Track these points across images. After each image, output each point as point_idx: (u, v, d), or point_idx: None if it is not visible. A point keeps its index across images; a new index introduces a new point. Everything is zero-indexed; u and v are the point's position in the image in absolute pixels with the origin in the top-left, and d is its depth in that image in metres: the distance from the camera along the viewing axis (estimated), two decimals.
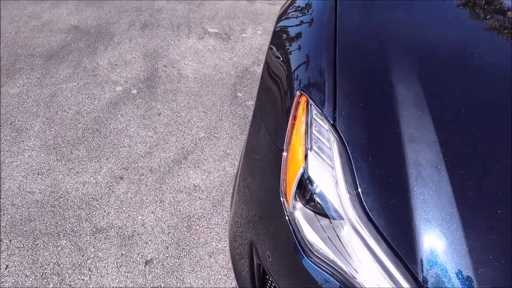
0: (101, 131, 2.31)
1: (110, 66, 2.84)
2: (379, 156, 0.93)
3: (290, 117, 1.07)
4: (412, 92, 1.00)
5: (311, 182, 0.97)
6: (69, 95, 2.53)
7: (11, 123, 2.29)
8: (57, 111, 2.41)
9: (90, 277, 1.64)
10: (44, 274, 1.64)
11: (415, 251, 0.81)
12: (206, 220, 1.90)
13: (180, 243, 1.79)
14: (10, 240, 1.74)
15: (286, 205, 1.00)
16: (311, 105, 1.04)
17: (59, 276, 1.64)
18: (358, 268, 0.87)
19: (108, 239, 1.78)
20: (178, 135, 2.34)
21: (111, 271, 1.67)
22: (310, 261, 0.93)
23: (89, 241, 1.77)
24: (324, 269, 0.91)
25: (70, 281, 1.62)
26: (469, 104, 0.99)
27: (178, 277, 1.67)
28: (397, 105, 0.98)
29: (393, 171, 0.90)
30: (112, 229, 1.82)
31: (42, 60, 2.80)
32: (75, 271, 1.66)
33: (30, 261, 1.68)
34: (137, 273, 1.67)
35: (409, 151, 0.91)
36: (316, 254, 0.93)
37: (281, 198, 1.01)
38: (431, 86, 1.02)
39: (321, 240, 0.93)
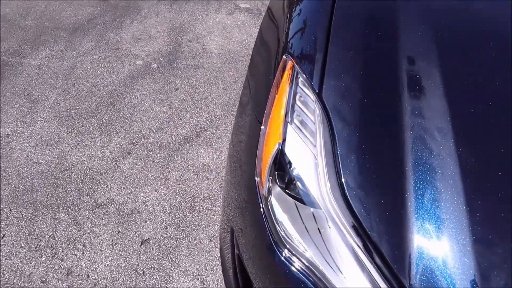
0: (115, 104, 2.25)
1: (133, 40, 2.78)
2: (368, 137, 0.75)
3: (273, 85, 0.91)
4: (410, 69, 0.80)
5: (287, 161, 0.80)
6: (88, 68, 2.50)
7: (28, 94, 2.30)
8: (74, 83, 2.38)
9: (83, 252, 1.59)
10: (38, 246, 1.60)
11: (402, 253, 0.63)
12: (211, 202, 1.78)
13: (180, 224, 1.69)
14: (11, 210, 1.72)
15: (260, 188, 0.84)
16: (297, 71, 0.87)
17: (52, 249, 1.59)
18: (338, 269, 0.70)
19: (107, 215, 1.72)
20: (193, 111, 2.23)
21: (105, 249, 1.60)
22: (284, 257, 0.77)
23: (87, 216, 1.71)
24: (299, 269, 0.75)
25: (62, 255, 1.57)
26: (477, 90, 0.77)
27: (174, 259, 1.57)
28: (393, 81, 0.79)
29: (383, 156, 0.72)
30: (112, 205, 1.75)
31: (67, 33, 2.80)
32: (69, 246, 1.61)
33: (27, 232, 1.65)
34: (131, 252, 1.59)
35: (406, 136, 0.72)
36: (291, 249, 0.77)
37: (256, 179, 0.86)
38: (430, 61, 0.81)
39: (297, 233, 0.77)
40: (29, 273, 1.52)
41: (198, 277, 1.52)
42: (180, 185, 1.84)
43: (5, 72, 2.44)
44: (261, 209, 0.81)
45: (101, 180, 1.86)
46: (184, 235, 1.65)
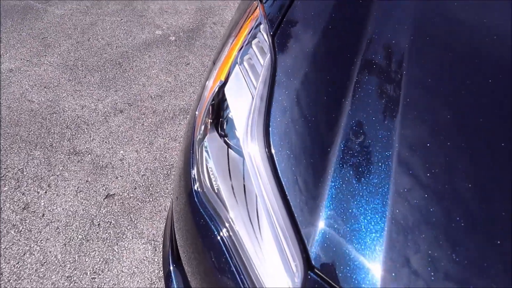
0: (122, 64, 2.28)
1: (160, 11, 2.82)
2: (308, 88, 0.70)
3: (236, 27, 0.88)
4: (372, 34, 0.74)
5: (225, 101, 0.77)
6: (108, 27, 2.55)
7: (42, 38, 2.36)
8: (89, 38, 2.43)
9: (46, 192, 1.58)
10: (5, 176, 1.61)
11: (312, 217, 0.58)
12: None
13: (150, 188, 1.66)
14: None
15: (196, 128, 0.81)
16: (261, 16, 0.84)
17: (17, 182, 1.60)
18: (250, 223, 0.66)
19: (81, 163, 1.71)
20: (197, 87, 2.22)
21: (68, 193, 1.59)
22: (199, 205, 0.73)
23: (61, 160, 1.71)
24: (212, 219, 0.70)
25: (24, 190, 1.58)
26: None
27: (133, 220, 1.54)
28: (351, 41, 0.73)
29: (317, 108, 0.67)
30: (89, 155, 1.75)
31: None
32: (34, 183, 1.61)
33: None
34: (93, 203, 1.57)
35: (347, 94, 0.67)
36: (210, 198, 0.72)
37: (195, 120, 0.82)
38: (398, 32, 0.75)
39: (221, 182, 0.72)
40: None
41: (152, 242, 1.49)
42: (162, 152, 1.82)
43: (28, 15, 2.52)
44: (191, 148, 0.78)
45: (86, 130, 1.86)
46: (151, 200, 1.62)
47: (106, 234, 1.49)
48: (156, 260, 1.44)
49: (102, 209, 1.56)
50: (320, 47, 0.73)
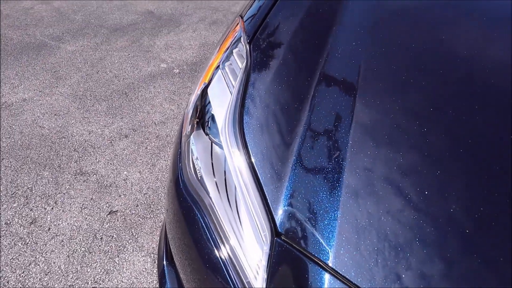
0: (128, 94, 2.44)
1: (165, 47, 3.03)
2: (277, 86, 0.81)
3: (220, 41, 1.02)
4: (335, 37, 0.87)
5: (208, 101, 0.89)
6: (116, 61, 2.75)
7: (54, 71, 2.55)
8: (98, 71, 2.62)
9: (52, 208, 1.69)
10: (15, 193, 1.73)
11: (282, 197, 0.68)
12: None
13: (152, 206, 1.76)
14: (2, 159, 1.88)
15: (184, 126, 0.92)
16: (242, 29, 0.97)
17: (26, 199, 1.71)
18: (229, 205, 0.76)
19: (86, 182, 1.83)
20: None
21: (74, 210, 1.69)
22: (184, 190, 0.83)
23: (68, 179, 1.83)
24: (193, 198, 0.80)
25: (33, 206, 1.68)
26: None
27: (134, 234, 1.63)
28: (319, 42, 0.86)
29: (286, 102, 0.78)
30: (94, 175, 1.87)
31: (107, 30, 3.11)
32: (42, 200, 1.72)
33: (10, 179, 1.79)
34: (96, 219, 1.67)
35: (312, 87, 0.78)
36: (195, 187, 0.83)
37: (183, 119, 0.94)
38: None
39: (205, 173, 0.83)
40: None
41: (151, 254, 1.57)
42: (164, 173, 1.93)
43: (42, 51, 2.74)
44: (178, 151, 0.89)
45: (92, 153, 1.99)
46: (152, 216, 1.72)
47: (108, 247, 1.57)
48: (154, 272, 1.52)
49: (105, 224, 1.66)
50: (286, 55, 0.86)
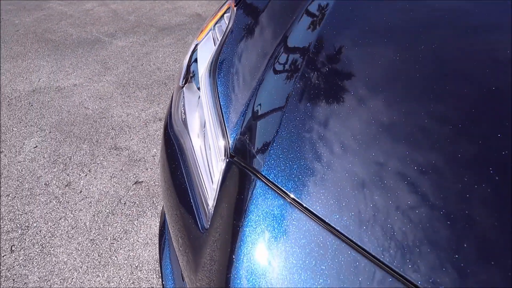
0: (167, 84, 2.65)
1: None
2: (251, 42, 0.92)
3: (220, 8, 1.15)
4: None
5: (197, 56, 1.01)
6: (160, 55, 2.99)
7: (104, 63, 2.83)
8: (143, 63, 2.87)
9: (86, 175, 1.89)
10: (56, 160, 1.96)
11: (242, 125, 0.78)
12: None
13: None
14: (50, 132, 2.14)
15: (180, 80, 1.05)
16: (232, 5, 1.10)
17: (65, 165, 1.93)
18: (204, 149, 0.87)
19: (119, 156, 2.02)
20: None
21: (104, 177, 1.89)
22: (171, 132, 0.95)
23: (103, 152, 2.04)
24: (175, 135, 0.92)
25: (69, 172, 1.90)
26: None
27: (154, 202, 1.78)
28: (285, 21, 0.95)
29: (254, 55, 0.88)
30: (127, 151, 2.06)
31: (156, 29, 3.39)
32: (78, 167, 1.93)
33: (53, 149, 2.03)
34: (123, 187, 1.85)
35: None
36: (178, 123, 0.95)
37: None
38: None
39: (188, 111, 0.95)
40: (39, 175, 1.87)
41: None
42: None
43: (96, 45, 3.05)
44: (171, 99, 1.02)
45: (127, 132, 2.20)
46: None
47: (129, 211, 1.74)
48: None
49: (130, 192, 1.83)
50: (261, 18, 0.97)
